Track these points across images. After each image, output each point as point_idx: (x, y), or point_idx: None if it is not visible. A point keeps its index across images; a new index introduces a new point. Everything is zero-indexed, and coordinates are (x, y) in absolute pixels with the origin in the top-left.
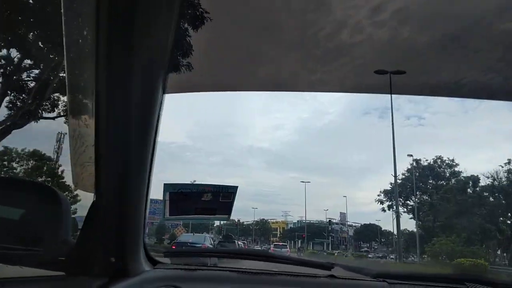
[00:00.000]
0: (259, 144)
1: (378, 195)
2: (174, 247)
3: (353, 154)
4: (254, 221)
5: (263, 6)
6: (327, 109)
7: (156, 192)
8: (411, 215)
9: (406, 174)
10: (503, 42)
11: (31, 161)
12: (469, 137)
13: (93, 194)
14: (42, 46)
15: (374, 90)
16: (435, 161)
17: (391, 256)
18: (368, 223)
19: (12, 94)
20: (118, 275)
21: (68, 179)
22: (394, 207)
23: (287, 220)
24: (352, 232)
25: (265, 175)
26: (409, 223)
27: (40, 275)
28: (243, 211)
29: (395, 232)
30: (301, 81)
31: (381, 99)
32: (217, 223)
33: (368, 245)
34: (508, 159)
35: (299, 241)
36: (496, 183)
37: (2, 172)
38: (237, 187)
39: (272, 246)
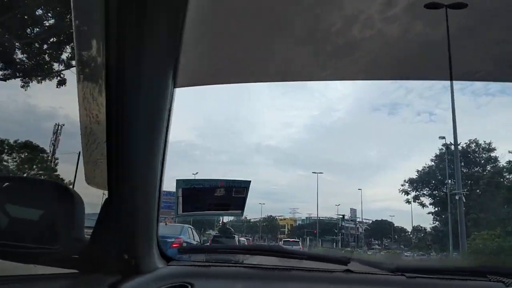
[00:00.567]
0: (267, 141)
1: (402, 185)
2: None
3: (363, 150)
4: (261, 218)
5: (274, 0)
6: (336, 106)
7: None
8: (436, 208)
9: (434, 161)
10: None
11: (23, 153)
12: (483, 133)
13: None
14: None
15: (386, 78)
16: (468, 146)
17: (406, 254)
18: (380, 219)
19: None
20: (131, 272)
21: (63, 173)
22: (421, 198)
23: (295, 217)
24: (363, 229)
25: (273, 172)
26: (438, 217)
27: (54, 273)
28: (250, 208)
29: (413, 226)
30: (312, 76)
31: (390, 96)
32: (223, 219)
33: (379, 242)
34: None
35: (308, 238)
36: None
37: None
38: (250, 181)
39: (281, 243)
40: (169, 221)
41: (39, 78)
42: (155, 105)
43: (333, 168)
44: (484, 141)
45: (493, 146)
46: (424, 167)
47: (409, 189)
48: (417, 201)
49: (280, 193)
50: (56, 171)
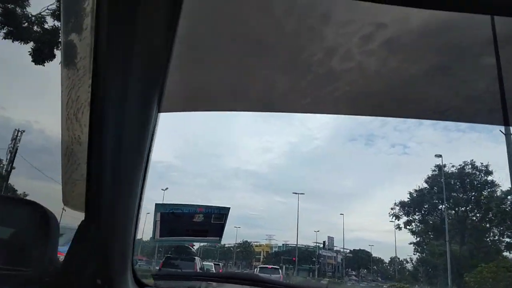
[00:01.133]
0: (246, 166)
1: (392, 209)
2: None
3: (340, 179)
4: (236, 243)
5: (257, 28)
6: (315, 134)
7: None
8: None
9: (424, 186)
10: (490, 74)
11: None
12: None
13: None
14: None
15: (364, 113)
16: (461, 168)
17: (384, 287)
18: (358, 248)
19: None
20: None
21: (17, 182)
22: (413, 223)
23: (272, 244)
24: (340, 258)
25: (251, 198)
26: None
27: None
28: (225, 233)
29: (391, 258)
30: (292, 103)
31: (366, 127)
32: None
33: (356, 272)
34: None
35: (284, 266)
36: None
37: None
38: (229, 208)
39: (256, 270)
40: None
41: None
42: (139, 129)
43: (311, 196)
44: (481, 163)
45: (490, 168)
46: (415, 190)
47: (400, 213)
48: (407, 227)
49: (256, 218)
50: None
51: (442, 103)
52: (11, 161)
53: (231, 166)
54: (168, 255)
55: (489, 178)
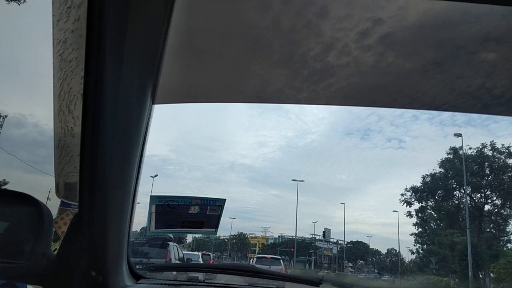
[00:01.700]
0: (242, 160)
1: (403, 195)
2: None
3: (336, 173)
4: (231, 235)
5: (254, 22)
6: (311, 128)
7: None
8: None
9: (437, 170)
10: (484, 71)
11: None
12: None
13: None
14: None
15: (359, 104)
16: (480, 151)
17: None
18: (356, 240)
19: None
20: None
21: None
22: (428, 209)
23: (267, 236)
24: (337, 250)
25: (247, 191)
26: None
27: None
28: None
29: (387, 249)
30: (287, 98)
31: (363, 121)
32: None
33: (353, 264)
34: None
35: (281, 257)
36: None
37: None
38: (225, 199)
39: (252, 261)
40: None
41: None
42: (133, 120)
43: (306, 189)
44: (503, 144)
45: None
46: (427, 175)
47: (412, 200)
48: (419, 214)
49: (252, 211)
50: None
51: (437, 97)
52: None
53: (227, 159)
54: (133, 239)
55: (511, 161)
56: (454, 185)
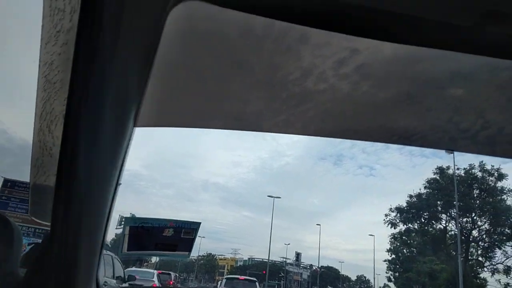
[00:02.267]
0: (215, 179)
1: (387, 215)
2: None
3: (308, 197)
4: (199, 256)
5: (234, 44)
6: (286, 151)
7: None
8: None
9: (423, 190)
10: (452, 105)
11: None
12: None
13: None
14: None
15: (334, 135)
16: (468, 172)
17: None
18: (326, 265)
19: None
20: None
21: None
22: (413, 232)
23: (237, 258)
24: (307, 275)
25: (218, 211)
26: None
27: None
28: None
29: (357, 276)
30: (265, 121)
31: (336, 147)
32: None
33: None
34: None
35: None
36: None
37: None
38: (199, 223)
39: (222, 283)
40: None
41: None
42: (113, 144)
43: (278, 212)
44: (492, 166)
45: (503, 171)
46: (410, 196)
47: (397, 221)
48: (403, 237)
49: (222, 232)
50: None
51: (408, 129)
52: None
53: (200, 177)
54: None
55: (501, 184)
56: (440, 208)
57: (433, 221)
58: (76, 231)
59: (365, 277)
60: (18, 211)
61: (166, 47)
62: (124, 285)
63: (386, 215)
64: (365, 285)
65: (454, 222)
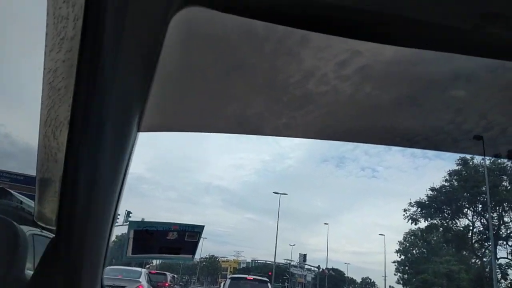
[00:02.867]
0: (218, 182)
1: (406, 210)
2: None
3: (311, 199)
4: (201, 258)
5: (236, 48)
6: (288, 153)
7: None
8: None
9: (444, 184)
10: (454, 107)
11: None
12: (417, 193)
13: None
14: None
15: (336, 138)
16: (493, 162)
17: None
18: (331, 267)
19: None
20: None
21: None
22: (435, 229)
23: (239, 260)
24: (311, 277)
25: (221, 214)
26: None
27: None
28: None
29: (362, 278)
30: (267, 124)
31: (339, 149)
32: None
33: None
34: None
35: None
36: None
37: None
38: (203, 226)
39: (226, 283)
40: None
41: None
42: (117, 149)
43: (282, 214)
44: None
45: None
46: (432, 189)
47: (418, 216)
48: (424, 234)
49: (225, 235)
50: None
51: (410, 131)
52: None
53: (203, 180)
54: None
55: None
56: (466, 201)
57: (457, 216)
58: (81, 235)
59: (370, 279)
60: None
61: (168, 52)
62: None
63: (405, 210)
64: (372, 287)
65: (479, 217)
